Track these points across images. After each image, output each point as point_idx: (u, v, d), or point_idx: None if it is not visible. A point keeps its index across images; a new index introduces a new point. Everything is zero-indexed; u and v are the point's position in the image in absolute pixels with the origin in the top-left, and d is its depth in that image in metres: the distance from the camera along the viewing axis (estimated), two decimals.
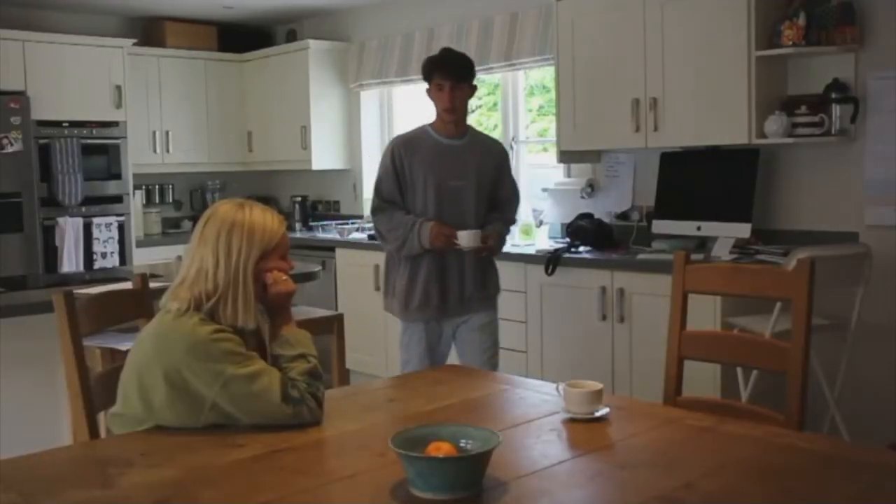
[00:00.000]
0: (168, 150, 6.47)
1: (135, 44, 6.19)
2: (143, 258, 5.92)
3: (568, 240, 4.58)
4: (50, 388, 3.29)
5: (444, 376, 2.51)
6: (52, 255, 5.63)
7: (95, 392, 2.16)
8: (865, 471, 1.66)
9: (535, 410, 2.04)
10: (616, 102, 4.38)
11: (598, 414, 1.95)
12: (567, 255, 4.36)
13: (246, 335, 1.99)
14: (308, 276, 4.13)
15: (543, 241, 4.95)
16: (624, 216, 4.74)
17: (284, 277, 2.03)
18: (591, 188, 4.90)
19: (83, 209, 5.75)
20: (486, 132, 4.07)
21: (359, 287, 5.52)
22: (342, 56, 6.41)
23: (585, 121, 4.56)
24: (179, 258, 2.22)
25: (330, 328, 3.77)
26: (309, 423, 1.90)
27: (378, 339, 5.41)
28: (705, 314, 3.60)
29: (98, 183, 5.85)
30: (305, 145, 6.32)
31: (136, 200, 6.25)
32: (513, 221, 3.73)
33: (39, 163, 5.56)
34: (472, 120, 6.10)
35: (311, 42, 6.29)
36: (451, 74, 3.35)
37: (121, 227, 5.91)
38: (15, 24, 5.70)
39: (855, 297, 3.66)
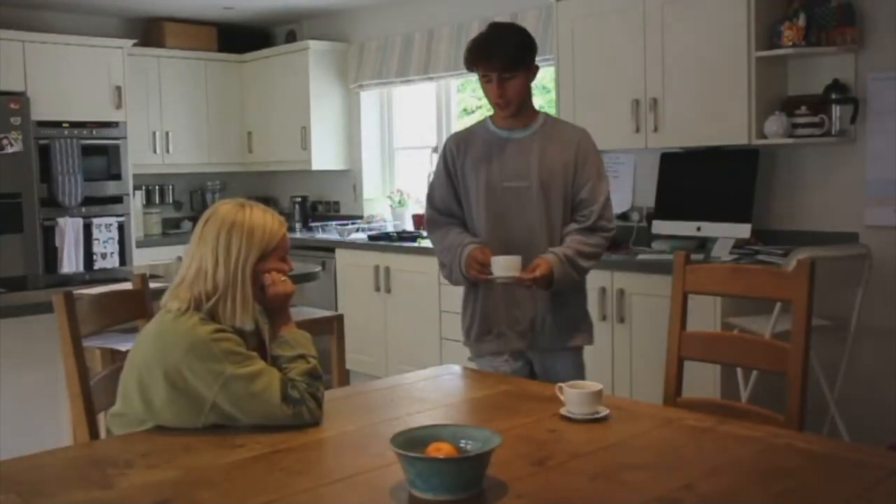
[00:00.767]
0: (168, 151, 6.47)
1: (135, 44, 6.19)
2: (143, 259, 5.92)
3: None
4: (50, 389, 3.29)
5: (443, 377, 2.51)
6: (52, 255, 5.63)
7: (95, 393, 2.16)
8: (865, 471, 1.66)
9: (535, 411, 2.03)
10: (616, 103, 4.38)
11: (597, 414, 1.95)
12: None
13: (246, 335, 1.99)
14: (308, 277, 4.13)
15: None
16: (624, 217, 4.74)
17: (283, 278, 2.02)
18: None
19: (83, 210, 5.75)
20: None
21: (359, 288, 5.53)
22: (342, 56, 6.41)
23: (585, 121, 4.51)
24: (179, 259, 2.22)
25: (330, 329, 3.78)
26: (309, 423, 1.90)
27: (378, 339, 5.42)
28: (705, 315, 3.60)
29: (98, 183, 5.85)
30: (305, 146, 6.32)
31: (135, 201, 6.25)
32: (598, 236, 2.72)
33: (39, 163, 5.56)
34: (471, 121, 6.15)
35: (311, 42, 6.29)
36: (497, 65, 2.63)
37: (121, 228, 5.92)
38: (15, 25, 5.70)
39: (855, 297, 3.67)
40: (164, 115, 6.44)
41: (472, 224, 2.78)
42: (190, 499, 1.54)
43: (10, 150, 5.41)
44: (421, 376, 2.50)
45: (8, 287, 3.74)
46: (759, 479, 1.61)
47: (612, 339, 4.13)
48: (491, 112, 2.86)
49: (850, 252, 3.73)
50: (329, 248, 5.75)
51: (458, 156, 2.80)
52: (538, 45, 4.99)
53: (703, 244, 4.25)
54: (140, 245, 6.11)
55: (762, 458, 1.73)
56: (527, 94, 2.75)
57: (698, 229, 4.25)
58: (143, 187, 6.54)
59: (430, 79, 5.79)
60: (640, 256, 4.19)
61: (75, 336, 2.13)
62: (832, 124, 3.91)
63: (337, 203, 6.71)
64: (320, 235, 6.10)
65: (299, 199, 6.71)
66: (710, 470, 1.66)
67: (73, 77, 5.75)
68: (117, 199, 5.94)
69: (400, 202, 6.11)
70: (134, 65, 6.15)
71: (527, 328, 2.72)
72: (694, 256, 3.80)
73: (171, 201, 6.85)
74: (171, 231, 6.69)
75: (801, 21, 3.84)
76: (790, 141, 3.92)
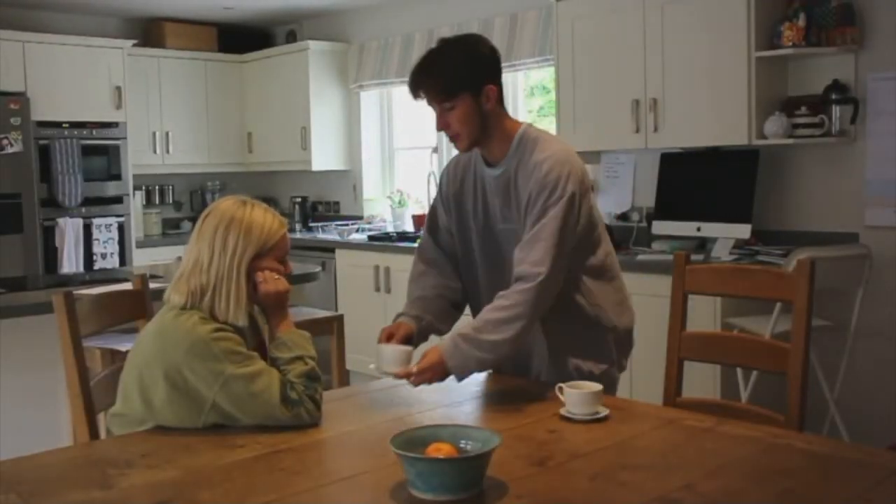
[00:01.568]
0: (168, 151, 6.47)
1: (135, 45, 6.20)
2: (142, 259, 5.93)
3: None
4: (50, 389, 3.29)
5: None
6: (52, 255, 5.63)
7: (95, 393, 2.16)
8: (865, 471, 1.66)
9: (535, 411, 2.03)
10: (616, 103, 4.38)
11: (597, 415, 1.95)
12: None
13: (245, 335, 1.99)
14: (308, 277, 4.14)
15: None
16: (624, 217, 4.74)
17: (276, 277, 2.01)
18: (592, 189, 4.89)
19: (83, 210, 5.76)
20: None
21: (359, 288, 5.53)
22: (342, 57, 6.41)
23: (585, 122, 4.56)
24: (179, 259, 2.22)
25: (330, 329, 3.78)
26: (307, 424, 1.90)
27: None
28: (705, 315, 3.60)
29: (98, 184, 5.85)
30: (305, 146, 6.33)
31: (135, 201, 6.26)
32: (515, 291, 2.12)
33: (39, 163, 5.56)
34: None
35: (311, 43, 6.29)
36: (432, 94, 2.22)
37: (121, 228, 5.92)
38: (15, 25, 5.70)
39: (855, 298, 3.66)
40: (164, 115, 6.44)
41: (470, 268, 2.43)
42: (190, 499, 1.54)
43: (10, 150, 5.41)
44: None
45: (8, 287, 3.74)
46: (759, 480, 1.61)
47: None
48: None
49: (850, 252, 3.73)
50: (329, 248, 5.75)
51: (451, 184, 2.43)
52: (538, 45, 5.05)
53: (703, 244, 4.26)
54: (140, 245, 6.11)
55: (762, 459, 1.73)
56: (480, 120, 2.22)
57: (698, 229, 4.25)
58: (143, 187, 6.54)
59: None
60: (640, 257, 4.19)
61: (75, 336, 2.13)
62: (832, 124, 3.91)
63: (337, 203, 6.71)
64: (320, 236, 6.10)
65: (299, 200, 6.71)
66: (710, 470, 1.66)
67: (73, 77, 5.75)
68: (117, 200, 5.95)
69: (400, 202, 6.11)
70: (134, 65, 6.15)
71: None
72: (694, 257, 3.80)
73: (171, 201, 6.85)
74: (171, 231, 6.69)
75: (801, 21, 3.84)
76: (790, 141, 3.92)
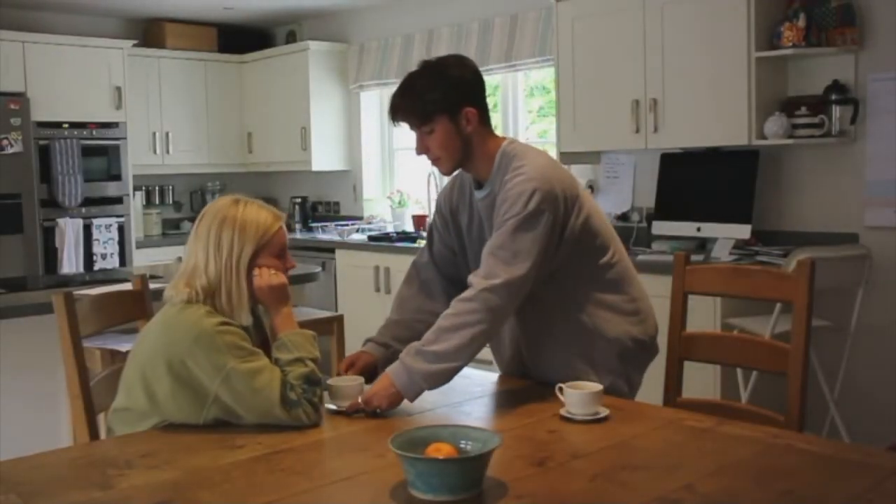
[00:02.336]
0: (168, 151, 6.47)
1: (135, 45, 6.20)
2: (142, 259, 5.93)
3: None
4: (50, 390, 3.29)
5: None
6: (51, 256, 5.63)
7: (95, 393, 2.16)
8: (865, 472, 1.66)
9: (534, 411, 2.03)
10: (616, 103, 4.38)
11: (597, 415, 1.95)
12: None
13: (251, 332, 2.00)
14: (308, 278, 4.14)
15: None
16: (624, 217, 4.74)
17: (271, 272, 2.01)
18: (591, 189, 4.90)
19: (83, 210, 5.76)
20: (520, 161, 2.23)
21: (359, 288, 5.53)
22: (342, 57, 6.41)
23: (585, 122, 4.56)
24: (179, 259, 2.22)
25: (330, 329, 3.78)
26: (307, 425, 1.89)
27: None
28: (705, 315, 3.60)
29: (98, 184, 5.85)
30: (305, 146, 6.33)
31: (135, 201, 6.26)
32: (459, 302, 2.06)
33: (39, 164, 5.56)
34: None
35: (311, 43, 6.29)
36: (409, 118, 2.20)
37: (121, 229, 5.92)
38: (15, 26, 5.70)
39: (855, 298, 3.67)
40: (164, 115, 6.44)
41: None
42: (190, 499, 1.54)
43: (10, 150, 5.41)
44: None
45: (8, 288, 3.74)
46: (759, 480, 1.61)
47: None
48: None
49: (850, 253, 3.73)
50: (329, 248, 5.75)
51: (449, 206, 2.39)
52: (538, 45, 5.05)
53: (703, 245, 4.26)
54: (140, 246, 6.11)
55: (762, 459, 1.73)
56: (460, 143, 2.19)
57: (698, 230, 4.25)
58: (143, 188, 6.54)
59: None
60: (640, 257, 4.19)
61: (75, 336, 2.13)
62: (832, 125, 3.91)
63: (337, 204, 6.71)
64: (320, 236, 6.10)
65: (299, 200, 6.71)
66: (710, 470, 1.66)
67: (73, 77, 5.75)
68: (117, 200, 5.95)
69: (400, 203, 6.11)
70: (134, 65, 6.16)
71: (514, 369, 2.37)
72: (694, 257, 3.80)
73: (170, 202, 6.85)
74: (171, 231, 6.69)
75: (801, 21, 3.84)
76: (790, 141, 3.92)
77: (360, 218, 6.32)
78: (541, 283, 2.15)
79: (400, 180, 6.40)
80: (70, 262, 5.64)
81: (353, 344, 5.11)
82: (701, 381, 3.43)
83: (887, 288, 3.81)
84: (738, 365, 3.21)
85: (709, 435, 1.87)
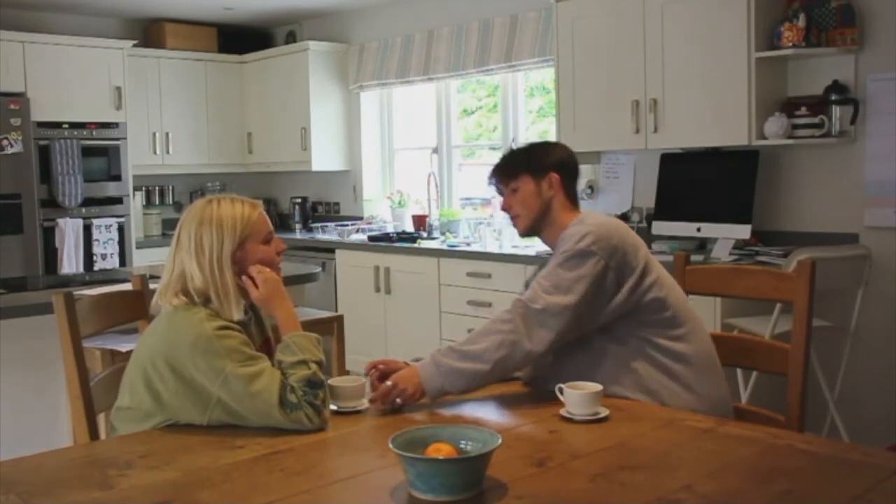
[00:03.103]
0: (168, 152, 6.47)
1: (135, 45, 6.20)
2: (142, 259, 5.93)
3: None
4: (50, 390, 3.29)
5: None
6: (51, 256, 5.63)
7: (95, 393, 2.16)
8: (865, 472, 1.66)
9: (534, 412, 2.03)
10: (616, 104, 4.39)
11: (597, 415, 1.95)
12: None
13: (252, 331, 2.00)
14: (308, 278, 4.14)
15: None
16: (624, 217, 4.74)
17: (259, 270, 2.00)
18: (592, 189, 4.90)
19: (83, 210, 5.76)
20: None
21: (359, 288, 5.53)
22: (342, 57, 6.41)
23: (585, 122, 4.56)
24: None
25: (330, 329, 3.77)
26: (310, 429, 1.88)
27: (378, 340, 5.42)
28: (705, 315, 3.59)
29: (98, 184, 5.85)
30: (305, 146, 6.33)
31: (135, 202, 6.26)
32: (502, 315, 2.16)
33: (39, 164, 5.56)
34: (471, 121, 6.18)
35: (311, 43, 6.29)
36: (496, 174, 2.40)
37: (121, 229, 5.92)
38: (15, 26, 5.70)
39: (855, 298, 3.67)
40: (163, 115, 6.44)
41: None
42: (190, 500, 1.54)
43: (10, 150, 5.41)
44: None
45: (8, 288, 3.74)
46: (759, 480, 1.61)
47: None
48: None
49: (851, 253, 3.73)
50: (329, 248, 5.76)
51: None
52: (538, 45, 5.05)
53: (703, 245, 4.26)
54: (140, 246, 6.12)
55: (762, 459, 1.73)
56: (540, 205, 2.28)
57: (698, 230, 4.25)
58: (143, 188, 6.54)
59: (430, 79, 5.80)
60: None
61: (75, 337, 2.13)
62: (832, 125, 3.91)
63: (337, 204, 6.71)
64: (320, 236, 6.10)
65: (299, 200, 6.71)
66: (710, 471, 1.66)
67: (73, 78, 5.75)
68: (117, 200, 5.95)
69: (400, 203, 6.11)
70: (134, 66, 6.16)
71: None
72: (694, 257, 3.80)
73: (171, 202, 6.85)
74: (171, 232, 6.59)
75: (801, 22, 3.84)
76: (790, 142, 3.92)
77: (360, 218, 6.32)
78: (604, 338, 2.16)
79: (400, 180, 6.40)
80: (70, 263, 5.64)
81: (354, 344, 5.13)
82: None
83: (887, 288, 3.81)
84: (738, 365, 3.20)
85: (709, 435, 1.87)
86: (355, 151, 6.46)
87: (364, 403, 2.07)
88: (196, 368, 1.87)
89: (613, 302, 2.14)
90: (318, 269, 4.38)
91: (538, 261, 4.44)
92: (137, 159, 6.15)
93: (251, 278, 2.00)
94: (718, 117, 4.02)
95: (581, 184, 4.91)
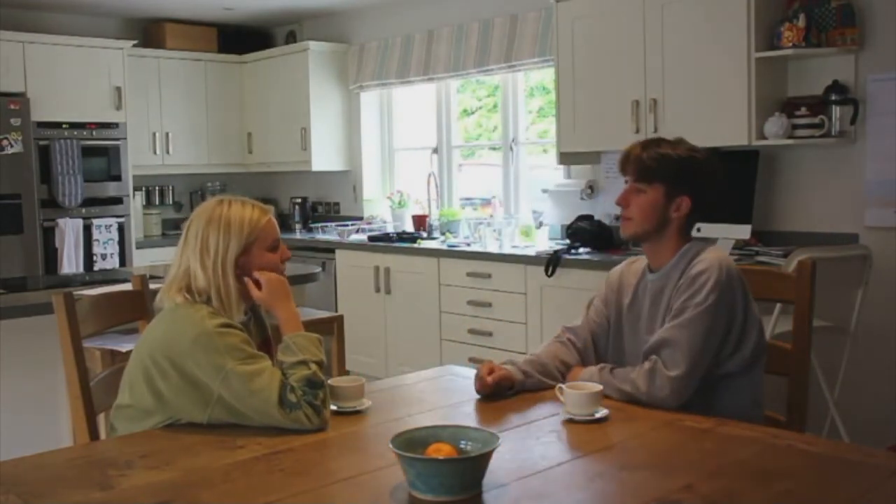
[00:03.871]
0: (168, 152, 6.47)
1: (135, 45, 6.20)
2: (142, 259, 5.93)
3: (568, 241, 4.59)
4: (50, 390, 3.29)
5: (443, 378, 2.51)
6: (52, 256, 5.63)
7: (95, 393, 2.16)
8: (865, 472, 1.66)
9: (534, 412, 2.03)
10: (616, 104, 4.38)
11: (597, 415, 1.95)
12: (567, 256, 4.36)
13: (252, 331, 2.00)
14: (308, 278, 4.14)
15: (543, 242, 4.95)
16: None
17: (267, 275, 2.01)
18: (591, 189, 4.90)
19: (83, 210, 5.76)
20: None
21: (359, 288, 5.53)
22: (342, 57, 6.41)
23: (585, 122, 4.56)
24: None
25: (330, 330, 3.78)
26: (310, 429, 1.88)
27: (378, 340, 5.42)
28: None
29: (98, 184, 5.85)
30: (305, 146, 6.33)
31: (135, 202, 6.26)
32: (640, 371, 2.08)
33: (39, 164, 5.56)
34: (471, 122, 6.18)
35: (311, 43, 6.29)
36: (629, 167, 2.32)
37: (121, 229, 5.92)
38: (15, 26, 5.70)
39: (855, 298, 3.66)
40: (164, 115, 6.44)
41: (620, 355, 2.26)
42: (190, 500, 1.54)
43: (10, 150, 5.41)
44: (421, 377, 2.50)
45: (8, 288, 3.74)
46: (759, 481, 1.60)
47: None
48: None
49: (851, 253, 3.73)
50: (329, 249, 5.76)
51: (614, 290, 2.33)
52: (538, 45, 5.05)
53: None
54: (140, 246, 6.11)
55: (762, 459, 1.73)
56: (658, 220, 2.19)
57: (698, 230, 4.22)
58: (143, 188, 6.54)
59: (430, 79, 5.80)
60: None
61: (75, 337, 2.13)
62: (832, 125, 3.91)
63: (337, 204, 6.71)
64: (320, 236, 6.10)
65: (299, 201, 6.71)
66: (710, 471, 1.66)
67: (73, 78, 5.75)
68: (117, 200, 5.95)
69: (400, 203, 6.11)
70: (134, 66, 6.15)
71: None
72: None
73: (171, 202, 6.85)
74: (171, 232, 6.68)
75: (801, 22, 3.84)
76: (790, 142, 3.92)
77: (360, 218, 6.32)
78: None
79: (400, 180, 6.39)
80: (70, 263, 5.64)
81: (354, 344, 5.14)
82: None
83: (887, 288, 3.81)
84: None
85: (709, 435, 1.87)
86: (355, 151, 6.46)
87: (364, 403, 2.07)
88: (197, 365, 1.87)
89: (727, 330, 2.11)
90: (318, 270, 4.38)
91: (538, 261, 4.45)
92: (137, 159, 6.15)
93: (255, 281, 2.01)
94: (718, 117, 4.02)
95: (581, 184, 4.93)
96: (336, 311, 5.37)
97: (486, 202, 5.73)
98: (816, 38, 3.89)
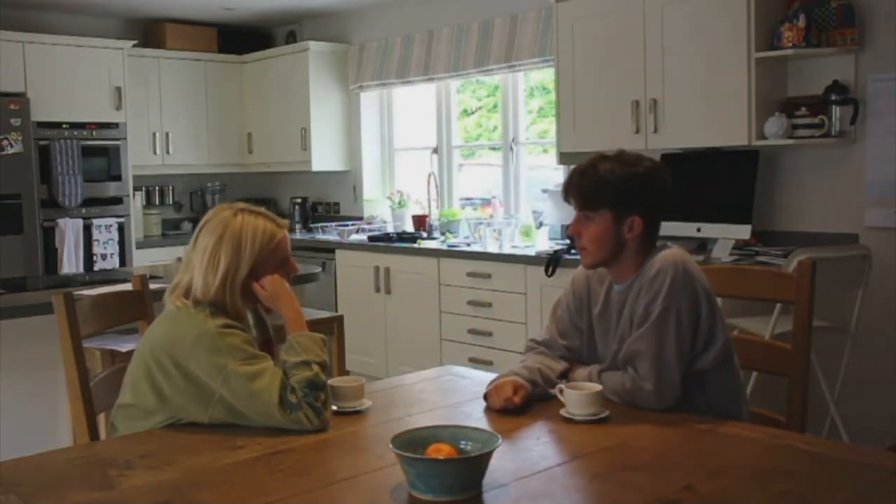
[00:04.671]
0: (168, 152, 6.47)
1: (135, 45, 6.20)
2: (142, 259, 5.93)
3: (568, 241, 4.59)
4: (50, 390, 3.29)
5: (443, 378, 2.51)
6: (52, 256, 5.63)
7: (95, 393, 2.16)
8: (865, 473, 1.66)
9: (534, 412, 2.03)
10: (616, 104, 4.38)
11: (597, 415, 1.95)
12: (567, 256, 4.36)
13: (252, 331, 2.01)
14: (308, 278, 4.14)
15: (543, 242, 4.95)
16: None
17: (269, 279, 2.02)
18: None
19: (83, 210, 5.75)
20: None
21: (359, 288, 5.53)
22: (342, 57, 6.41)
23: (585, 122, 4.56)
24: (179, 259, 2.23)
25: (330, 330, 3.78)
26: (310, 430, 1.88)
27: (378, 340, 5.42)
28: None
29: (98, 184, 5.85)
30: (305, 147, 6.33)
31: (135, 202, 6.26)
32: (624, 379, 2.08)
33: (39, 164, 5.56)
34: (471, 121, 6.18)
35: (311, 43, 6.29)
36: (572, 196, 2.17)
37: (121, 229, 5.92)
38: (15, 26, 5.70)
39: (855, 298, 3.66)
40: (164, 116, 6.44)
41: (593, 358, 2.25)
42: (190, 500, 1.54)
43: (9, 150, 5.41)
44: (421, 377, 2.50)
45: (8, 288, 3.74)
46: (759, 481, 1.61)
47: None
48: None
49: (851, 253, 3.73)
50: (329, 249, 5.76)
51: (583, 299, 2.27)
52: (539, 45, 5.05)
53: (703, 245, 4.25)
54: (140, 246, 6.11)
55: (762, 460, 1.73)
56: (613, 245, 2.12)
57: (698, 230, 4.25)
58: (143, 188, 6.54)
59: (430, 79, 5.80)
60: None
61: (75, 337, 2.13)
62: (832, 125, 3.91)
63: (337, 204, 6.71)
64: (320, 236, 6.10)
65: (299, 201, 6.71)
66: (710, 471, 1.66)
67: (73, 78, 5.75)
68: (117, 200, 5.95)
69: (400, 203, 6.11)
70: (134, 66, 6.15)
71: None
72: (694, 257, 3.79)
73: (171, 202, 6.85)
74: (171, 232, 6.69)
75: (801, 22, 3.84)
76: (790, 142, 3.92)
77: (360, 218, 6.32)
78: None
79: (400, 181, 6.39)
80: (70, 263, 5.64)
81: (354, 344, 5.13)
82: None
83: (887, 288, 3.81)
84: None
85: (709, 435, 1.87)
86: (355, 151, 6.46)
87: (364, 403, 2.07)
88: (198, 365, 1.88)
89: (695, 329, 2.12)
90: (318, 270, 4.38)
91: (538, 261, 4.45)
92: (137, 159, 6.14)
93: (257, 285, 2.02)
94: (718, 117, 4.02)
95: None
96: (336, 311, 5.37)
97: (486, 202, 5.73)
98: (816, 38, 3.89)
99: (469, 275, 4.86)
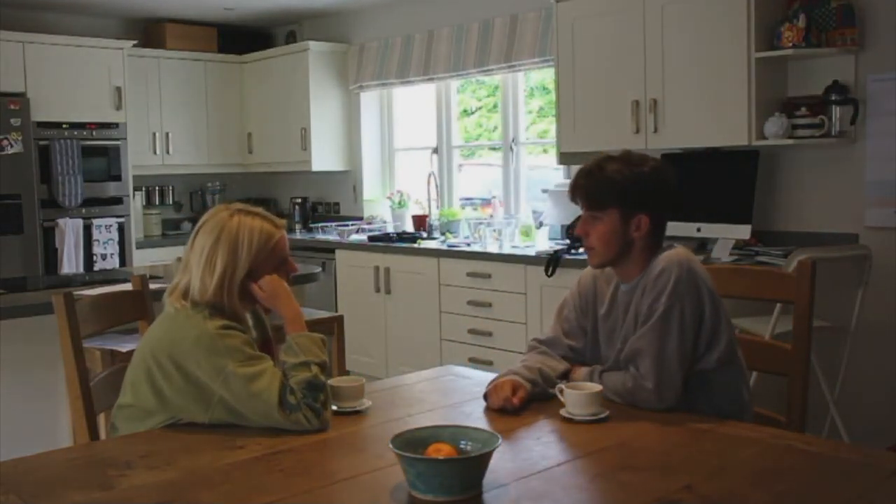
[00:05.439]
0: (168, 152, 6.47)
1: (135, 45, 6.20)
2: (142, 259, 5.93)
3: (568, 241, 4.59)
4: (50, 390, 3.29)
5: (444, 378, 2.51)
6: (52, 256, 5.63)
7: (95, 393, 2.16)
8: (865, 473, 1.66)
9: (535, 412, 2.03)
10: (616, 104, 4.38)
11: (597, 415, 1.95)
12: (567, 256, 4.35)
13: (251, 331, 2.01)
14: (308, 278, 4.14)
15: (543, 242, 4.95)
16: None
17: (269, 279, 2.02)
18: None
19: (83, 211, 5.75)
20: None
21: (359, 288, 5.53)
22: (342, 57, 6.41)
23: (585, 122, 4.56)
24: (179, 260, 2.23)
25: (330, 330, 3.78)
26: (310, 430, 1.88)
27: (378, 340, 5.42)
28: None
29: (98, 184, 5.85)
30: (305, 147, 6.33)
31: (135, 202, 6.26)
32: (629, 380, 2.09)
33: (39, 164, 5.56)
34: (471, 122, 6.18)
35: (311, 44, 6.29)
36: (579, 197, 2.19)
37: (121, 229, 5.92)
38: (15, 26, 5.70)
39: (855, 298, 3.66)
40: (164, 116, 6.44)
41: (596, 358, 2.26)
42: (190, 500, 1.54)
43: (10, 150, 5.41)
44: (421, 377, 2.50)
45: (8, 288, 3.74)
46: (759, 481, 1.61)
47: None
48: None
49: (851, 253, 3.73)
50: (329, 249, 5.76)
51: (589, 299, 2.29)
52: (539, 46, 5.05)
53: (704, 245, 4.26)
54: (140, 246, 6.11)
55: (762, 460, 1.73)
56: (620, 245, 2.13)
57: (698, 230, 4.25)
58: (143, 188, 6.54)
59: (430, 79, 5.80)
60: None
61: (75, 337, 2.13)
62: (832, 125, 3.91)
63: (337, 204, 6.71)
64: (320, 237, 6.10)
65: (299, 201, 6.71)
66: (710, 471, 1.66)
67: (73, 78, 5.75)
68: (117, 200, 5.95)
69: (400, 203, 6.11)
70: (134, 66, 6.15)
71: None
72: None
73: (171, 202, 6.85)
74: (171, 232, 6.69)
75: (801, 22, 3.84)
76: (790, 142, 3.92)
77: (360, 218, 6.32)
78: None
79: (400, 181, 6.40)
80: (70, 263, 5.64)
81: (354, 344, 5.13)
82: None
83: (887, 288, 3.81)
84: None
85: (709, 435, 1.87)
86: (355, 151, 6.46)
87: (364, 403, 2.07)
88: (198, 366, 1.88)
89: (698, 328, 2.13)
90: (318, 270, 4.38)
91: (538, 261, 4.45)
92: (137, 159, 6.14)
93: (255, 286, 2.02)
94: (718, 117, 4.02)
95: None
96: (336, 311, 5.37)
97: (486, 202, 5.73)
98: (816, 38, 3.89)
99: (469, 275, 4.86)
